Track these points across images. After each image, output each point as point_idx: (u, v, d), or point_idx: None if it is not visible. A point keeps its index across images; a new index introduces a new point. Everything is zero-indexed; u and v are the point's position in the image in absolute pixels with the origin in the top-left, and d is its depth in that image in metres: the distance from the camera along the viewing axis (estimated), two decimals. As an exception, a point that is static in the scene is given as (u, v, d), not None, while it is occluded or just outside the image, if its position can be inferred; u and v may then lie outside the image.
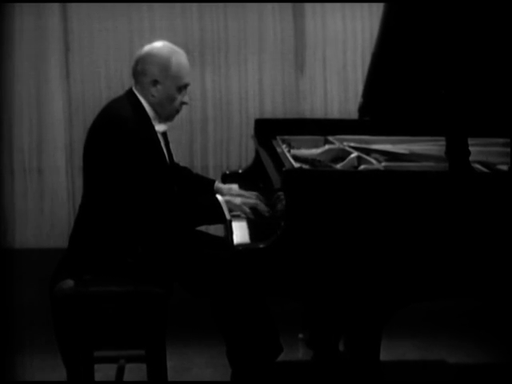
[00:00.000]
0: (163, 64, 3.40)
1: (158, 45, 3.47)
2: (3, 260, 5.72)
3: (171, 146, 3.73)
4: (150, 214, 3.33)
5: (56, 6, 5.98)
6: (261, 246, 2.86)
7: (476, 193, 2.91)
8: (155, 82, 3.41)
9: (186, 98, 3.49)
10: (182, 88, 3.46)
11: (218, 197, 3.41)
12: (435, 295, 2.95)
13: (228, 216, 3.36)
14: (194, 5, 5.97)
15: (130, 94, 3.48)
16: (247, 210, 3.41)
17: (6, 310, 4.83)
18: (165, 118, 3.49)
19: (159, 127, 3.49)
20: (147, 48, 3.46)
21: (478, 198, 2.91)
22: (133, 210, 3.34)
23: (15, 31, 5.98)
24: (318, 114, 5.91)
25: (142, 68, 3.43)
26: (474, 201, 2.91)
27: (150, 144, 3.41)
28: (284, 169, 2.97)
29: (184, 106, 3.54)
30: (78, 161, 5.72)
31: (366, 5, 5.89)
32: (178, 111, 3.50)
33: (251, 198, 3.51)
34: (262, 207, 3.45)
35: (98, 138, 3.43)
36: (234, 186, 3.73)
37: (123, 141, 3.33)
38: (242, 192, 3.63)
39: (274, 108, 5.95)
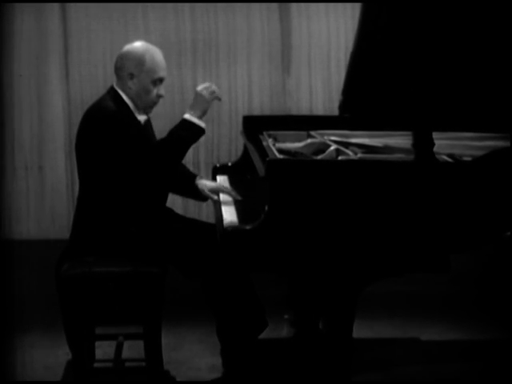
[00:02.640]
0: (138, 59, 3.72)
1: (135, 44, 3.80)
2: (6, 250, 5.87)
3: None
4: (141, 173, 3.64)
5: (56, 6, 6.06)
6: (247, 227, 3.12)
7: (438, 180, 3.17)
8: (131, 76, 3.72)
9: (161, 91, 3.79)
10: (157, 81, 3.75)
11: (185, 115, 3.74)
12: (401, 272, 3.21)
13: (202, 124, 3.72)
14: (186, 5, 6.08)
15: (110, 90, 3.81)
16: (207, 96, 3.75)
17: (9, 296, 5.00)
18: (143, 108, 3.79)
19: (140, 117, 3.79)
20: (126, 47, 3.79)
21: (440, 185, 3.16)
22: (125, 185, 3.65)
23: (16, 32, 6.05)
24: (304, 111, 6.04)
25: (120, 64, 3.76)
26: (436, 187, 3.16)
27: (131, 125, 3.71)
28: (267, 159, 3.21)
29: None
30: None
31: (348, 6, 5.98)
32: (154, 103, 3.80)
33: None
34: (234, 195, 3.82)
35: (85, 128, 3.77)
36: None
37: (106, 124, 3.65)
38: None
39: (262, 106, 6.06)
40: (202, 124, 3.74)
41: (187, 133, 3.74)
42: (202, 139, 6.03)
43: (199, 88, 3.77)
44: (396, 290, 5.05)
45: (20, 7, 6.04)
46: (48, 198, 6.27)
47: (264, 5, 6.12)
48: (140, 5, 6.11)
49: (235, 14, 6.13)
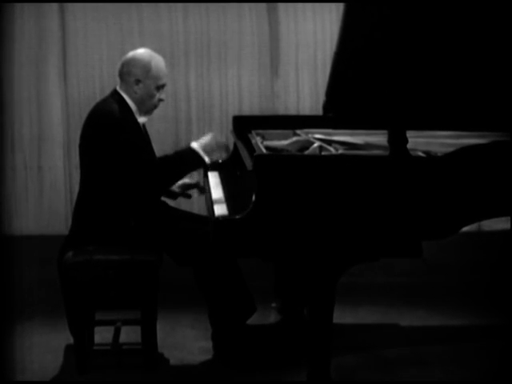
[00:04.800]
0: (145, 66, 3.96)
1: (141, 51, 4.03)
2: (8, 245, 6.06)
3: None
4: (140, 183, 3.84)
5: (54, 6, 6.17)
6: (237, 217, 3.33)
7: (411, 173, 3.38)
8: (138, 81, 3.96)
9: (162, 96, 4.04)
10: (160, 87, 4.00)
11: (193, 145, 3.96)
12: (377, 256, 3.41)
13: (207, 159, 3.92)
14: (179, 7, 6.22)
15: (114, 93, 4.02)
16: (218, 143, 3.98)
17: (11, 286, 5.17)
18: (145, 111, 4.02)
19: (140, 119, 4.03)
20: (131, 53, 4.03)
21: (412, 177, 3.38)
22: (124, 185, 3.84)
23: (15, 32, 6.15)
24: (291, 112, 6.18)
25: (127, 69, 3.98)
26: (409, 180, 3.37)
27: (133, 129, 3.94)
28: (255, 154, 3.42)
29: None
30: (75, 158, 5.92)
31: (334, 9, 6.10)
32: (155, 106, 4.04)
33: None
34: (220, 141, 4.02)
35: (91, 129, 3.95)
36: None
37: (111, 128, 3.86)
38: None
39: (252, 107, 6.21)
40: (205, 158, 3.96)
41: (190, 159, 3.96)
42: (195, 137, 6.21)
43: (219, 139, 4.04)
44: (378, 280, 5.31)
45: (19, 7, 6.14)
46: (46, 197, 6.41)
47: (253, 6, 6.25)
48: (135, 6, 6.22)
49: (226, 15, 6.26)
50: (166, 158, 4.07)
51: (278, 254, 3.39)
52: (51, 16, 6.23)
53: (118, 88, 4.02)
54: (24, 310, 4.79)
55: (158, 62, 4.00)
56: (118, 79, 4.07)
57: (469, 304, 4.89)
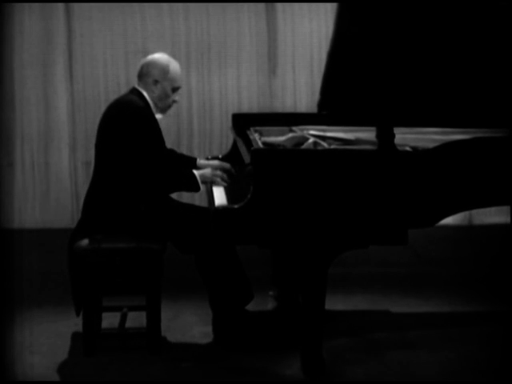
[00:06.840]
0: (163, 69, 4.24)
1: (159, 55, 4.31)
2: (15, 238, 6.23)
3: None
4: (147, 179, 4.05)
5: (60, 6, 6.28)
6: (235, 206, 3.56)
7: (396, 166, 3.59)
8: (156, 82, 4.22)
9: (177, 98, 4.31)
10: (175, 89, 4.27)
11: (194, 171, 4.18)
12: (366, 243, 3.62)
13: (201, 187, 4.16)
14: (180, 7, 6.34)
15: (134, 90, 4.27)
16: (217, 176, 4.21)
17: (18, 278, 5.31)
18: (160, 110, 4.27)
19: (157, 115, 4.26)
20: (150, 56, 4.30)
21: (398, 170, 3.59)
22: (135, 177, 4.04)
23: (23, 33, 6.27)
24: (288, 109, 6.34)
25: (146, 71, 4.25)
26: (395, 172, 3.58)
27: (153, 121, 4.18)
28: (252, 148, 3.64)
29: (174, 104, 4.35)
30: (80, 154, 6.23)
31: (330, 10, 6.13)
32: (170, 106, 4.30)
33: (217, 164, 4.35)
34: (226, 165, 4.29)
35: (112, 117, 4.16)
36: (213, 162, 4.52)
37: (133, 115, 4.10)
38: (211, 163, 4.48)
39: (250, 105, 6.36)
40: (200, 186, 4.20)
41: (188, 180, 4.20)
42: (196, 134, 6.47)
43: (218, 172, 4.28)
44: (371, 271, 5.49)
45: (25, 8, 6.26)
46: (53, 191, 6.54)
47: (252, 6, 6.37)
48: (137, 6, 6.34)
49: (226, 15, 6.38)
50: (170, 169, 4.29)
51: (273, 241, 3.61)
52: (57, 16, 6.36)
53: (136, 86, 4.26)
54: (30, 298, 4.92)
55: (175, 66, 4.27)
56: (136, 79, 4.30)
57: (458, 293, 5.06)
